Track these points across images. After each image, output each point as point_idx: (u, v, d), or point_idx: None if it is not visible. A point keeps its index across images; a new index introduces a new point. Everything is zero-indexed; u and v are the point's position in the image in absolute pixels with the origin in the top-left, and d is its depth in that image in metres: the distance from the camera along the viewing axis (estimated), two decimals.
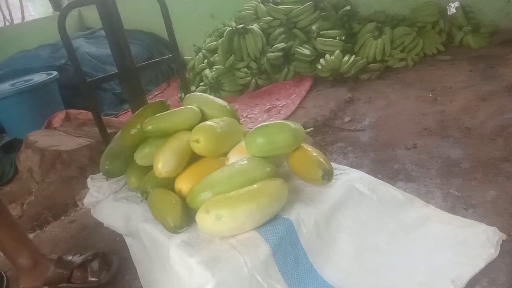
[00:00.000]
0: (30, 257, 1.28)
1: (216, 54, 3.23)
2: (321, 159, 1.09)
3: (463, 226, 1.15)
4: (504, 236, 1.10)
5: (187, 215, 1.02)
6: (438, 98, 2.21)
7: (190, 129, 1.16)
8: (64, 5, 2.16)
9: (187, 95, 1.36)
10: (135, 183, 1.24)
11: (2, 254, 1.53)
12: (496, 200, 1.30)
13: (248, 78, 3.04)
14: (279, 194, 1.01)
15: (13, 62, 3.72)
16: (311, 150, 1.13)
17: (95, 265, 1.32)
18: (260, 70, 3.04)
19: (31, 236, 1.76)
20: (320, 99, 2.56)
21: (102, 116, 1.93)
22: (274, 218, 1.01)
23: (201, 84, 3.26)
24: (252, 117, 2.59)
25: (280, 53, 2.97)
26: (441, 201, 1.35)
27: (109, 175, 1.29)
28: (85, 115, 2.58)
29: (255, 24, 3.14)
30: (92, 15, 4.77)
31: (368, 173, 1.23)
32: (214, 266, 0.90)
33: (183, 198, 1.07)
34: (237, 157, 1.11)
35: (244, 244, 0.95)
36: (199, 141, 1.10)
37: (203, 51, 3.44)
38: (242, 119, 2.54)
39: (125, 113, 3.38)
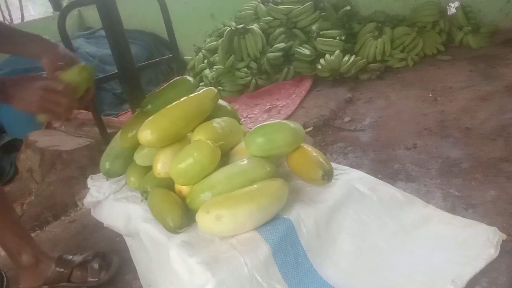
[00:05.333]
0: (32, 255, 1.29)
1: (216, 54, 3.23)
2: (321, 159, 1.09)
3: (463, 226, 1.15)
4: (504, 236, 1.10)
5: (187, 215, 1.02)
6: (438, 98, 2.21)
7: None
8: (64, 5, 2.16)
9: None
10: (135, 183, 1.24)
11: (3, 254, 1.53)
12: (496, 200, 1.30)
13: (248, 78, 3.04)
14: (279, 194, 1.01)
15: (13, 62, 3.71)
16: (311, 150, 1.13)
17: (95, 264, 1.33)
18: (260, 70, 3.04)
19: None
20: (320, 99, 2.56)
21: (102, 116, 1.93)
22: (274, 218, 1.01)
23: (201, 84, 3.26)
24: (252, 117, 2.59)
25: (280, 53, 2.97)
26: (441, 201, 1.35)
27: (109, 175, 1.29)
28: (85, 115, 2.58)
29: (255, 24, 3.14)
30: (92, 15, 4.77)
31: (368, 173, 1.23)
32: (214, 266, 0.90)
33: (183, 198, 1.07)
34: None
35: (244, 244, 0.95)
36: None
37: (203, 51, 3.44)
38: (242, 119, 2.54)
39: (125, 113, 3.38)
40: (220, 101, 1.32)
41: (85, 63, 1.18)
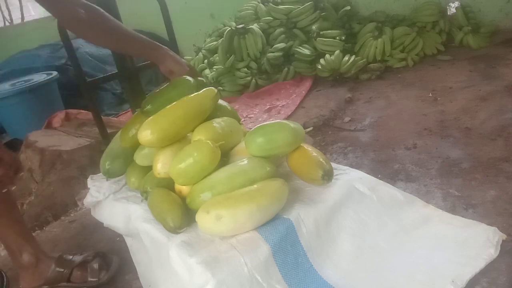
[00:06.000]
0: (33, 254, 1.29)
1: (216, 54, 3.23)
2: (321, 159, 1.09)
3: (463, 226, 1.15)
4: (504, 236, 1.10)
5: (187, 215, 1.02)
6: (438, 98, 2.21)
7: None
8: None
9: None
10: (135, 183, 1.24)
11: (3, 254, 1.53)
12: (496, 200, 1.30)
13: (248, 78, 3.04)
14: (279, 194, 1.01)
15: (13, 62, 3.72)
16: (311, 150, 1.13)
17: (95, 264, 1.33)
18: (260, 70, 3.04)
19: None
20: (320, 99, 2.56)
21: (102, 116, 1.93)
22: (274, 218, 1.01)
23: None
24: (252, 117, 2.59)
25: (280, 53, 2.97)
26: (441, 201, 1.35)
27: (109, 175, 1.29)
28: (85, 115, 2.58)
29: (255, 24, 3.14)
30: None
31: (368, 173, 1.23)
32: (214, 266, 0.90)
33: (183, 198, 1.07)
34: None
35: (244, 244, 0.95)
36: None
37: (203, 51, 3.44)
38: (242, 119, 2.54)
39: (125, 113, 3.38)
40: (220, 101, 1.32)
41: (188, 78, 1.28)
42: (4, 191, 1.25)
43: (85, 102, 2.00)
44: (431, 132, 1.86)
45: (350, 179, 1.16)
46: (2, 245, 1.63)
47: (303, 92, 2.70)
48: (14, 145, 2.65)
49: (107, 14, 1.27)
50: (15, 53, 3.94)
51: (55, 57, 3.62)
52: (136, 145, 1.21)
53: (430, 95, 2.27)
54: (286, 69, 2.99)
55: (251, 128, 1.14)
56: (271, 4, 3.19)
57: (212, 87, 1.25)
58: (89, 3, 1.22)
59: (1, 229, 1.25)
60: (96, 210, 1.37)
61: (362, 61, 2.78)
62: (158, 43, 1.34)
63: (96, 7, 1.25)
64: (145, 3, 2.88)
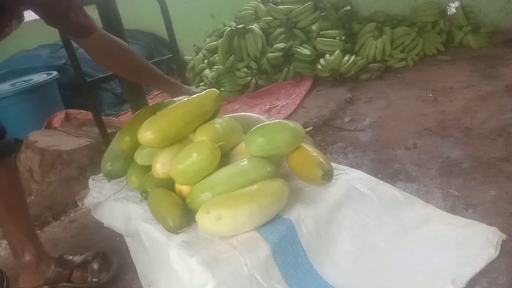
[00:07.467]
0: (35, 254, 1.29)
1: (216, 54, 3.23)
2: (321, 159, 1.09)
3: (463, 226, 1.15)
4: (504, 236, 1.10)
5: (187, 215, 1.02)
6: (438, 98, 2.21)
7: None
8: None
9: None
10: (135, 183, 1.24)
11: (3, 254, 1.53)
12: (496, 200, 1.30)
13: (248, 78, 3.04)
14: (279, 195, 1.01)
15: (13, 62, 3.71)
16: (311, 150, 1.13)
17: (95, 265, 1.33)
18: (260, 70, 3.04)
19: None
20: (320, 99, 2.56)
21: (102, 116, 1.93)
22: (274, 218, 1.01)
23: (201, 84, 3.26)
24: None
25: (280, 53, 2.97)
26: (441, 201, 1.35)
27: (111, 176, 1.29)
28: (85, 115, 2.58)
29: (255, 24, 3.14)
30: (92, 15, 4.74)
31: (368, 173, 1.23)
32: (214, 266, 0.90)
33: (183, 198, 1.07)
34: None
35: (244, 244, 0.95)
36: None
37: (203, 51, 3.44)
38: None
39: (125, 113, 3.38)
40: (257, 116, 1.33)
41: None
42: (15, 185, 1.25)
43: (85, 102, 2.00)
44: (431, 132, 1.86)
45: (350, 179, 1.16)
46: (2, 245, 1.63)
47: (303, 92, 2.70)
48: (14, 145, 2.65)
49: (129, 46, 1.32)
50: (15, 53, 3.94)
51: (55, 57, 3.62)
52: (134, 148, 1.21)
53: (430, 95, 2.27)
54: (286, 69, 2.99)
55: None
56: (271, 4, 3.19)
57: (215, 89, 1.24)
58: (111, 35, 1.29)
59: (8, 225, 1.25)
60: (96, 210, 1.37)
61: (362, 61, 2.78)
62: (174, 80, 1.45)
63: (119, 39, 1.30)
64: (145, 3, 2.89)
